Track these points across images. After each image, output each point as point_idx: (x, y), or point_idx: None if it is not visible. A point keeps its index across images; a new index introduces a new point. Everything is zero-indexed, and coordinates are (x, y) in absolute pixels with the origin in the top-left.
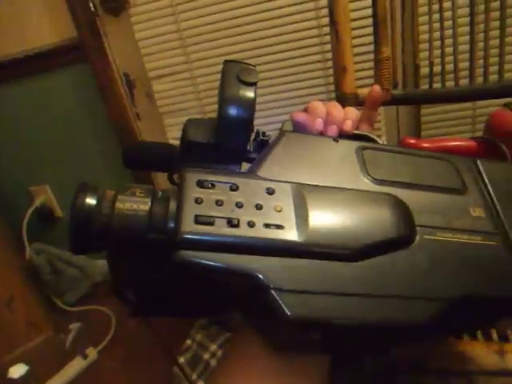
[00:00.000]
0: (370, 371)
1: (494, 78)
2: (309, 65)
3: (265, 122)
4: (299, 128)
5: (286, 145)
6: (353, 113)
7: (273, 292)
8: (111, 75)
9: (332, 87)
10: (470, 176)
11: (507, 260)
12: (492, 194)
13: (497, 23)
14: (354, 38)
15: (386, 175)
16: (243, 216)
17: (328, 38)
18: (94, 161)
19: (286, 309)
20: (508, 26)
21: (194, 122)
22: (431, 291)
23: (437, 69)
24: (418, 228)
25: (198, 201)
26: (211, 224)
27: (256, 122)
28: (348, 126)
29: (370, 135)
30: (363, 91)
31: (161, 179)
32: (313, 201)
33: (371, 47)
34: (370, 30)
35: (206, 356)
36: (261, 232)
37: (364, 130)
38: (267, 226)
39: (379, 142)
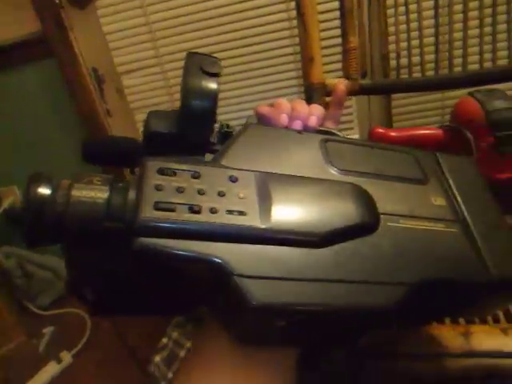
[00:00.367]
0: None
1: (458, 69)
2: (281, 57)
3: (239, 116)
4: (264, 121)
5: (250, 136)
6: (317, 109)
7: (235, 278)
8: (79, 70)
9: None
10: (430, 167)
11: (466, 246)
12: (451, 184)
13: (460, 16)
14: (324, 30)
15: (350, 166)
16: (205, 203)
17: None
18: (65, 159)
19: (249, 295)
20: (470, 19)
21: (156, 114)
22: (395, 276)
23: (404, 61)
24: (381, 216)
25: (159, 187)
26: (172, 210)
27: (230, 115)
28: (312, 121)
29: (334, 131)
30: (331, 82)
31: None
32: (276, 188)
33: (340, 39)
34: (339, 22)
35: (182, 354)
36: (223, 218)
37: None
38: (230, 212)
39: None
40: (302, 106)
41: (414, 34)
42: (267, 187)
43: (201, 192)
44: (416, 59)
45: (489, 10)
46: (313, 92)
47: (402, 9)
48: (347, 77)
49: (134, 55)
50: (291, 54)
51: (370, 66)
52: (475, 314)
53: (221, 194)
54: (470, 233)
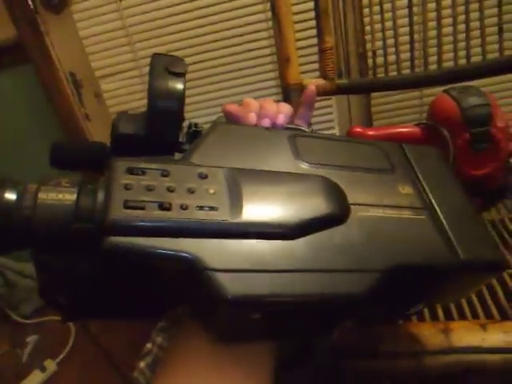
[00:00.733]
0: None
1: (433, 66)
2: (260, 58)
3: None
4: (232, 120)
5: (218, 134)
6: (285, 107)
7: (208, 273)
8: (56, 75)
9: None
10: (396, 158)
11: (435, 232)
12: (418, 173)
13: (434, 14)
14: (300, 30)
15: (318, 159)
16: (175, 199)
17: None
18: (44, 166)
19: (223, 288)
20: (444, 17)
21: (123, 116)
22: (367, 263)
23: (380, 60)
24: (351, 206)
25: (128, 187)
26: (142, 208)
27: (211, 118)
28: (280, 119)
29: (302, 127)
30: (308, 82)
31: None
32: (246, 183)
33: (316, 40)
34: (315, 22)
35: None
36: (194, 214)
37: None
38: (201, 208)
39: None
40: (269, 105)
41: (389, 32)
42: (237, 182)
43: (170, 189)
44: (392, 58)
45: (462, 8)
46: (290, 92)
47: (376, 8)
48: (324, 77)
49: (112, 59)
50: (269, 54)
51: (347, 65)
52: (449, 298)
53: (191, 191)
54: (437, 219)
